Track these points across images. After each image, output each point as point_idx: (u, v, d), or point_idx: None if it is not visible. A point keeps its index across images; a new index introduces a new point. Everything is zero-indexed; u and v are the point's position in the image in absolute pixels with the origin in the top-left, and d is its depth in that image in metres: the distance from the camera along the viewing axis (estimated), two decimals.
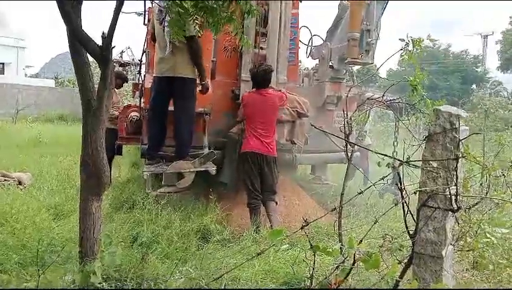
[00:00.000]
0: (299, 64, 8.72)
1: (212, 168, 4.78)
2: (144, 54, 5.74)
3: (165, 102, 4.87)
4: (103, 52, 2.44)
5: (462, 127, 1.95)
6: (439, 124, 1.96)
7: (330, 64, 5.90)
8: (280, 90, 5.04)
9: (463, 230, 2.53)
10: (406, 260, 2.17)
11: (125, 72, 8.77)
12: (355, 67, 7.24)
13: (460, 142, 1.88)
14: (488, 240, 3.20)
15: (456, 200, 1.88)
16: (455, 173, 1.87)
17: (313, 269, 1.76)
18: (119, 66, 17.61)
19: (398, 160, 1.98)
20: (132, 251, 3.35)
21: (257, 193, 4.69)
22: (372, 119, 8.45)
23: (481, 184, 2.52)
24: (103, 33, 2.43)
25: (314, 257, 1.70)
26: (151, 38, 5.03)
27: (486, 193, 2.34)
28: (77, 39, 2.61)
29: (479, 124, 7.19)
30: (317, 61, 6.48)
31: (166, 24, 4.39)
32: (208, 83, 4.91)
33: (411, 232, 2.01)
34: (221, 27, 2.32)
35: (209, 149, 5.07)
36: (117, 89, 7.08)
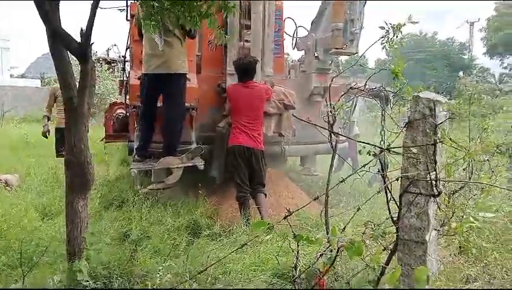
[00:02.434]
0: (287, 56, 8.73)
1: (200, 163, 4.77)
2: (128, 50, 5.68)
3: (157, 99, 4.86)
4: (82, 49, 2.41)
5: (442, 112, 1.97)
6: (418, 111, 1.98)
7: (316, 55, 5.90)
8: (265, 83, 5.04)
9: (447, 215, 2.55)
10: (391, 246, 2.19)
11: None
12: (343, 58, 7.25)
13: (438, 127, 1.90)
14: (474, 224, 3.25)
15: (435, 185, 1.90)
16: (434, 158, 1.88)
17: (297, 258, 1.77)
18: (106, 64, 17.49)
19: (379, 147, 2.00)
20: (121, 249, 3.34)
21: (246, 186, 4.69)
22: (361, 109, 8.47)
23: (464, 169, 2.55)
24: (81, 30, 2.41)
25: (298, 246, 1.71)
26: (138, 33, 4.97)
27: (470, 178, 2.36)
28: (56, 37, 2.58)
29: (465, 110, 7.24)
30: (303, 52, 6.48)
31: None
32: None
33: (396, 219, 2.02)
34: (197, 22, 2.30)
35: (197, 144, 5.06)
36: None
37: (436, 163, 1.88)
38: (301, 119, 3.06)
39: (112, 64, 17.45)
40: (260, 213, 4.60)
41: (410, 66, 37.01)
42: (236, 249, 2.06)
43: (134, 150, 4.91)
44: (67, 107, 2.75)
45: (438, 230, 2.57)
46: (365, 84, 2.94)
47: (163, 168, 4.83)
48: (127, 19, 5.59)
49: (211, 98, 5.43)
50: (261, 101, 4.84)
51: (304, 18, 6.70)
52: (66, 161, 2.79)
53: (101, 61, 16.78)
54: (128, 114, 5.54)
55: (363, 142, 2.09)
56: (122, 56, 6.60)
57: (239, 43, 5.40)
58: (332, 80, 3.33)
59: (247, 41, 5.49)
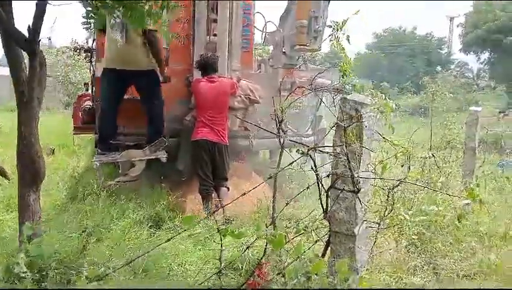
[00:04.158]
0: (260, 51, 8.78)
1: (163, 156, 4.82)
2: (94, 41, 5.66)
3: (121, 94, 4.90)
4: (30, 45, 2.44)
5: (368, 114, 2.08)
6: (346, 112, 2.08)
7: (283, 50, 5.99)
8: (230, 78, 5.10)
9: (386, 209, 2.68)
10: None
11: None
12: (309, 53, 7.34)
13: (363, 128, 2.01)
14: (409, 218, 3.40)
15: (354, 182, 2.01)
16: (359, 157, 1.99)
17: (221, 251, 1.86)
18: (84, 52, 17.23)
19: (307, 146, 2.10)
20: (75, 241, 3.39)
21: (209, 179, 4.77)
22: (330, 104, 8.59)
23: (402, 166, 2.67)
24: (29, 26, 2.43)
25: (221, 240, 1.80)
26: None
27: (405, 178, 2.49)
28: (8, 35, 2.60)
29: (431, 106, 7.49)
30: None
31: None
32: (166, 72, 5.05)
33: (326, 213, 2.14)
34: (142, 21, 2.35)
35: (164, 137, 5.10)
36: None
37: (360, 162, 1.99)
38: (246, 122, 3.10)
39: (91, 53, 17.18)
40: (221, 206, 4.68)
41: (388, 60, 37.48)
42: (168, 240, 2.12)
43: (96, 142, 4.94)
44: (19, 101, 2.78)
45: (378, 223, 2.70)
46: (313, 79, 3.03)
47: (129, 160, 4.87)
48: None
49: (178, 91, 5.46)
50: (225, 95, 4.90)
51: (275, 12, 6.77)
52: (17, 154, 2.82)
53: (78, 50, 16.56)
54: (94, 106, 5.54)
55: (293, 141, 2.19)
56: (89, 48, 6.56)
57: (206, 37, 5.44)
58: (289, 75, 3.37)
59: (215, 35, 5.53)
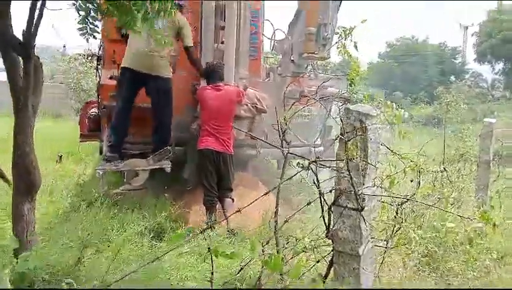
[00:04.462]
0: (272, 60, 8.69)
1: (168, 166, 4.71)
2: (101, 48, 5.61)
3: (133, 94, 4.88)
4: (25, 49, 2.37)
5: (373, 125, 1.94)
6: (349, 123, 1.95)
7: (291, 58, 5.88)
8: (237, 86, 5.01)
9: (396, 226, 2.53)
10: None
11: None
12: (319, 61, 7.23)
13: (367, 141, 1.88)
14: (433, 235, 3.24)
15: (357, 199, 1.87)
16: (363, 172, 1.86)
17: (212, 273, 1.74)
18: (91, 56, 17.29)
19: (307, 159, 1.97)
20: (73, 252, 3.29)
21: (213, 190, 4.66)
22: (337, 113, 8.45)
23: (411, 181, 2.52)
24: (23, 31, 2.36)
25: (212, 261, 1.67)
26: (118, 32, 4.88)
27: (414, 194, 2.34)
28: (5, 41, 2.53)
29: (444, 117, 7.27)
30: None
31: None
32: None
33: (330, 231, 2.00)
34: (134, 25, 2.26)
35: (170, 146, 5.02)
36: None
37: (365, 177, 1.86)
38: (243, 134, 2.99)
39: (97, 60, 17.30)
40: (225, 218, 4.56)
41: (401, 69, 37.16)
42: (166, 253, 2.00)
43: (108, 147, 4.85)
44: (15, 108, 2.70)
45: (386, 241, 2.55)
46: (319, 87, 2.91)
47: (133, 169, 4.78)
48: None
49: (185, 99, 5.39)
50: (231, 104, 4.80)
51: (284, 18, 6.67)
52: (12, 163, 2.74)
53: (91, 57, 16.67)
54: (100, 114, 5.49)
55: (294, 154, 2.06)
56: (96, 55, 6.53)
57: (214, 44, 5.37)
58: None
59: (222, 42, 5.45)
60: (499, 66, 33.88)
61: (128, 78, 4.77)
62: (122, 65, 4.83)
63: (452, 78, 34.88)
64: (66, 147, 9.40)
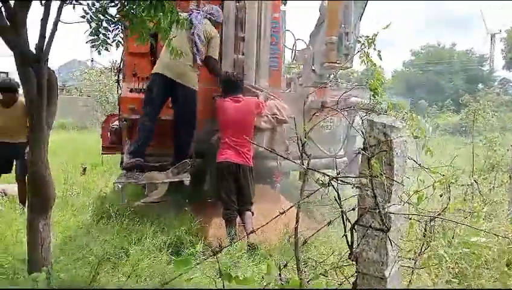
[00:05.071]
0: (295, 70, 8.59)
1: (187, 179, 4.64)
2: (122, 62, 5.63)
3: (162, 100, 4.88)
4: (37, 64, 2.34)
5: (399, 138, 1.80)
6: (373, 136, 1.81)
7: (313, 68, 5.77)
8: (257, 97, 4.92)
9: (425, 244, 2.37)
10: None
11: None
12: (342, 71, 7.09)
13: (393, 155, 1.73)
14: (461, 251, 3.04)
15: (382, 219, 1.72)
16: (389, 189, 1.72)
17: None
18: (116, 70, 17.62)
19: (328, 175, 1.85)
20: (90, 268, 3.23)
21: (233, 203, 4.55)
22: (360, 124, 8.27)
23: (441, 195, 2.36)
24: (36, 45, 2.33)
25: (223, 285, 1.56)
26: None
27: (445, 208, 2.18)
28: (23, 58, 2.52)
29: (470, 125, 6.99)
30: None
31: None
32: None
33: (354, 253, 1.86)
34: (145, 37, 2.21)
35: (191, 158, 4.95)
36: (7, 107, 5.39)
37: (390, 194, 1.72)
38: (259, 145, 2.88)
39: (118, 73, 17.64)
40: (246, 232, 4.44)
41: (426, 77, 36.49)
42: (174, 278, 1.89)
43: (130, 152, 4.81)
44: (30, 124, 2.68)
45: (415, 260, 2.39)
46: (340, 97, 2.78)
47: (152, 182, 4.72)
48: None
49: (206, 111, 5.33)
50: (250, 115, 4.71)
51: (306, 28, 6.58)
52: (28, 179, 2.71)
53: (117, 70, 16.97)
54: (121, 126, 5.48)
55: (314, 170, 1.94)
56: (117, 68, 6.57)
57: (234, 55, 5.32)
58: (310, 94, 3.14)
59: (243, 54, 5.39)
60: None
61: (158, 84, 4.76)
62: (153, 71, 4.84)
63: (480, 85, 34.01)
64: (91, 158, 9.53)
